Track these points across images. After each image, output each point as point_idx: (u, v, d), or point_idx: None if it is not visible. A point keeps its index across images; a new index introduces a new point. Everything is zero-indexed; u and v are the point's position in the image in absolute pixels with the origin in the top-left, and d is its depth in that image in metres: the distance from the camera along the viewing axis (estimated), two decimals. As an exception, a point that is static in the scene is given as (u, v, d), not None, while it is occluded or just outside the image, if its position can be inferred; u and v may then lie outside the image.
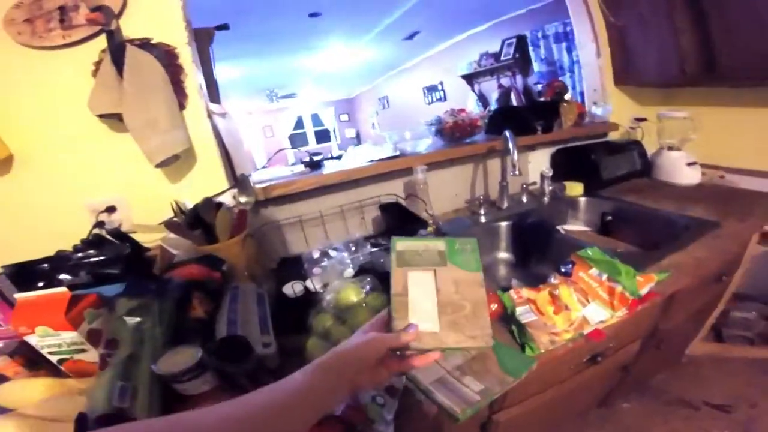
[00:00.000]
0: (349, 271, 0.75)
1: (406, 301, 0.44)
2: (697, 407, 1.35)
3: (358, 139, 7.49)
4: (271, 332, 0.65)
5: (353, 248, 0.79)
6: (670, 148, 1.48)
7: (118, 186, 0.94)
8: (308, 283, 0.80)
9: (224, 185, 1.01)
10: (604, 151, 1.46)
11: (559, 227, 1.22)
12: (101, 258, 0.77)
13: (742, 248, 1.11)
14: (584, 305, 0.63)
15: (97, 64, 0.83)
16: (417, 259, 0.48)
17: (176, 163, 0.92)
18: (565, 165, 1.48)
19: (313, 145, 7.68)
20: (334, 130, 7.89)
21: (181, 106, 0.91)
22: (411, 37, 3.73)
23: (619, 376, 1.01)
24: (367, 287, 0.69)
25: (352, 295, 0.67)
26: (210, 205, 0.87)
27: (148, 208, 0.93)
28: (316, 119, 7.94)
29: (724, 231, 0.99)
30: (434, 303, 0.44)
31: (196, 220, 0.85)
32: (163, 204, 0.87)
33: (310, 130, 7.86)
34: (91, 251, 0.77)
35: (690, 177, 1.41)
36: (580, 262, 0.71)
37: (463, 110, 1.40)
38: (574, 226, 1.33)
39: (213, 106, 1.03)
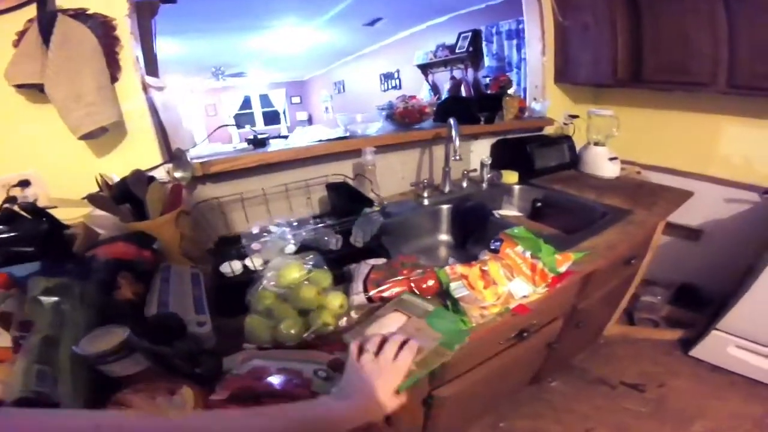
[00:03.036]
0: (291, 248, 0.74)
1: (376, 321, 0.61)
2: (614, 386, 1.52)
3: (310, 122, 7.28)
4: (207, 312, 0.64)
5: (295, 224, 0.78)
6: (596, 144, 1.63)
7: (35, 160, 0.86)
8: (247, 262, 0.78)
9: (158, 160, 0.96)
10: (538, 143, 1.58)
11: (494, 212, 1.30)
12: (12, 235, 0.69)
13: (648, 234, 1.26)
14: (510, 280, 0.68)
15: (20, 33, 0.76)
16: (407, 307, 0.64)
17: (104, 136, 0.86)
18: (504, 155, 1.58)
19: (260, 126, 7.35)
20: (284, 112, 7.60)
21: (114, 79, 0.86)
22: (372, 23, 3.68)
23: (545, 353, 1.12)
24: (310, 264, 0.69)
25: (295, 272, 0.67)
26: (140, 178, 0.81)
27: (71, 184, 0.86)
28: (265, 100, 7.58)
29: (635, 218, 1.12)
30: (390, 331, 0.57)
31: (124, 195, 0.80)
32: (88, 179, 0.81)
33: (258, 110, 7.50)
34: (1, 227, 0.69)
35: (611, 170, 1.56)
36: (508, 239, 0.77)
37: (414, 97, 1.43)
38: (509, 211, 1.43)
39: (150, 80, 0.97)
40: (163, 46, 1.12)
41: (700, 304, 1.78)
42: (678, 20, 1.41)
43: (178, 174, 0.93)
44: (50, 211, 0.81)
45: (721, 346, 1.50)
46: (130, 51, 0.88)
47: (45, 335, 0.49)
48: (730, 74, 1.36)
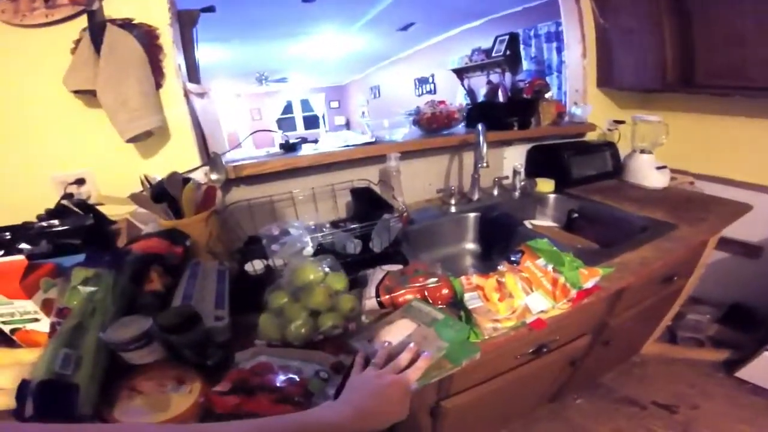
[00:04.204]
0: (308, 250, 0.76)
1: (384, 327, 0.61)
2: (644, 406, 1.41)
3: (347, 127, 7.42)
4: (226, 307, 0.67)
5: (313, 227, 0.80)
6: (642, 151, 1.52)
7: (89, 160, 0.95)
8: (270, 261, 0.81)
9: (197, 163, 1.02)
10: (576, 150, 1.50)
11: (526, 222, 1.25)
12: (63, 228, 0.76)
13: (692, 252, 1.16)
14: (528, 294, 0.66)
15: (77, 42, 0.84)
16: (416, 315, 0.63)
17: (149, 139, 0.93)
18: (539, 162, 1.51)
19: (301, 130, 7.60)
20: (323, 117, 7.80)
21: (158, 85, 0.92)
22: (406, 28, 3.70)
23: (568, 371, 1.06)
24: (326, 267, 0.70)
25: (310, 273, 0.69)
26: (176, 179, 0.87)
27: (118, 183, 0.93)
28: (305, 105, 7.83)
29: (677, 234, 1.03)
30: (397, 339, 0.57)
31: (162, 194, 0.85)
32: (134, 179, 0.88)
33: (299, 115, 7.76)
34: (54, 221, 0.77)
35: (658, 180, 1.45)
36: (529, 251, 0.74)
37: (443, 102, 1.41)
38: (542, 222, 1.37)
39: (191, 86, 1.03)
40: (209, 52, 1.19)
41: (753, 325, 1.60)
42: (733, 21, 1.29)
43: (213, 176, 0.99)
44: (99, 207, 0.90)
45: None
46: (172, 59, 0.93)
47: (77, 322, 0.53)
48: None
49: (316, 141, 1.39)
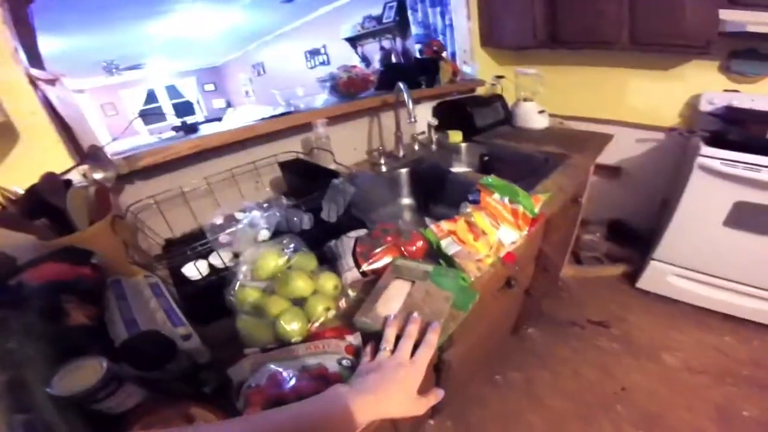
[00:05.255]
0: (264, 233, 0.66)
1: (381, 294, 0.56)
2: (582, 326, 1.66)
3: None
4: (186, 322, 0.55)
5: (266, 206, 0.70)
6: (525, 100, 1.74)
7: None
8: (213, 260, 0.69)
9: (69, 163, 0.79)
10: (476, 103, 1.65)
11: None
12: None
13: (585, 173, 1.38)
14: (497, 228, 0.69)
15: None
16: (406, 272, 0.60)
17: None
18: (446, 116, 1.60)
19: (172, 120, 6.61)
20: (198, 102, 6.90)
21: None
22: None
23: (524, 300, 1.17)
24: (290, 249, 0.62)
25: (272, 261, 0.60)
26: (55, 183, 0.66)
27: None
28: (173, 91, 6.79)
29: (572, 161, 1.22)
30: (401, 302, 0.55)
31: (38, 207, 0.64)
32: None
33: (167, 103, 6.70)
34: None
35: (541, 122, 1.70)
36: (484, 189, 0.77)
37: (355, 67, 1.37)
38: (459, 168, 1.48)
39: (37, 72, 0.79)
40: (41, 43, 0.92)
41: (630, 238, 2.03)
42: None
43: (98, 175, 0.78)
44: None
45: (660, 276, 1.71)
46: (4, 42, 0.72)
47: (7, 380, 0.39)
48: (632, 33, 1.56)
49: (218, 119, 1.21)
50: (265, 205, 0.71)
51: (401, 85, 1.08)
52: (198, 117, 6.59)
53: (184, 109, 6.86)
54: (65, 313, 0.49)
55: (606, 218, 2.11)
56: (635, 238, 2.02)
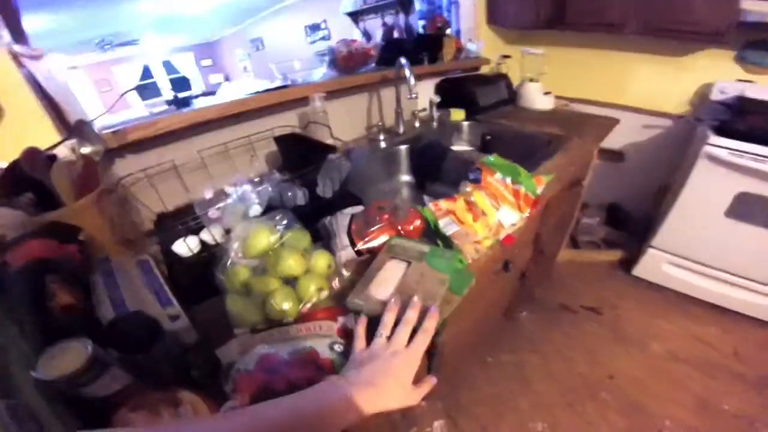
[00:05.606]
0: (256, 209, 0.64)
1: (375, 274, 0.54)
2: (575, 311, 1.66)
3: (227, 84, 6.60)
4: (175, 302, 0.53)
5: (257, 180, 0.68)
6: (531, 80, 1.70)
7: None
8: (204, 235, 0.67)
9: (56, 138, 0.76)
10: (479, 82, 1.61)
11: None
12: None
13: (588, 156, 1.35)
14: (497, 209, 0.67)
15: None
16: (401, 252, 0.58)
17: None
18: (448, 95, 1.57)
19: (169, 96, 6.51)
20: (195, 77, 6.77)
21: None
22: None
23: (518, 284, 1.16)
24: (282, 225, 0.60)
25: (264, 237, 0.58)
26: (36, 158, 0.64)
27: None
28: (169, 67, 6.65)
29: (575, 144, 1.18)
30: (395, 283, 0.53)
31: (22, 182, 0.62)
32: None
33: (163, 79, 6.56)
34: None
35: (546, 103, 1.66)
36: (485, 168, 0.74)
37: (355, 41, 1.32)
38: (460, 147, 1.46)
39: (19, 48, 0.76)
40: (27, 23, 0.88)
41: (627, 223, 2.01)
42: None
43: (86, 149, 0.75)
44: None
45: (656, 264, 1.71)
46: None
47: None
48: (642, 18, 1.51)
49: (211, 93, 1.17)
50: (256, 179, 0.68)
51: (402, 60, 1.04)
52: (195, 92, 6.49)
53: (180, 84, 6.73)
54: (51, 293, 0.47)
55: (605, 202, 2.09)
56: (628, 223, 2.00)
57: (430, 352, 0.77)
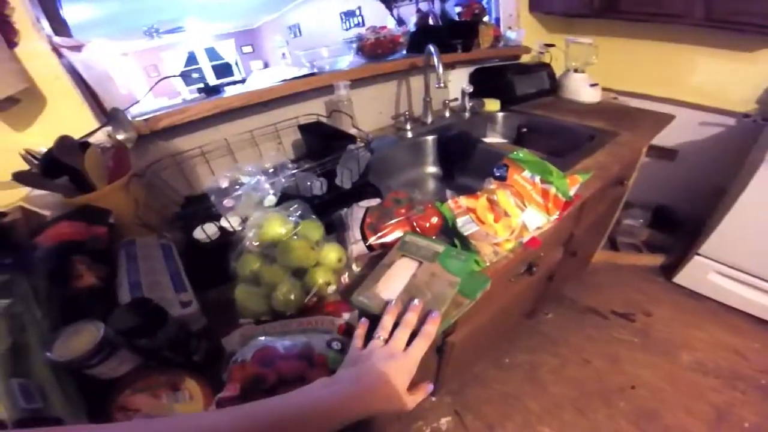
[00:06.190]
0: (271, 199, 0.64)
1: (384, 272, 0.53)
2: (605, 316, 1.57)
3: (267, 71, 6.77)
4: (189, 288, 0.54)
5: (271, 171, 0.67)
6: (576, 71, 1.58)
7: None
8: (223, 222, 0.67)
9: (94, 125, 0.81)
10: (517, 71, 1.52)
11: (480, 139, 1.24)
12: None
13: (635, 156, 1.24)
14: (522, 210, 0.62)
15: None
16: (414, 251, 0.56)
17: (17, 107, 0.72)
18: (483, 84, 1.50)
19: (212, 81, 6.77)
20: (236, 63, 6.98)
21: (11, 44, 0.70)
22: (328, -42, 3.28)
23: (545, 286, 1.10)
24: (296, 215, 0.59)
25: (278, 226, 0.57)
26: (69, 145, 0.67)
27: None
28: (212, 53, 6.91)
29: (622, 140, 1.09)
30: (403, 283, 0.51)
31: (55, 166, 0.66)
32: (15, 158, 0.68)
33: (206, 65, 6.83)
34: None
35: (592, 96, 1.54)
36: (513, 164, 0.69)
37: (384, 27, 1.29)
38: (493, 139, 1.39)
39: (60, 40, 0.80)
40: (76, 11, 0.93)
41: (674, 226, 1.85)
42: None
43: (120, 136, 0.79)
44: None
45: (702, 273, 1.56)
46: (24, 12, 0.72)
47: (9, 344, 0.39)
48: (707, 8, 1.35)
49: (240, 81, 1.18)
50: (271, 170, 0.68)
51: (431, 47, 0.99)
52: (236, 78, 6.70)
53: (222, 70, 6.97)
54: (77, 274, 0.49)
55: (653, 203, 1.93)
56: (676, 226, 1.84)
57: (440, 350, 0.74)
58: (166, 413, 0.40)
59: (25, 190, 0.70)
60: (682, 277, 1.65)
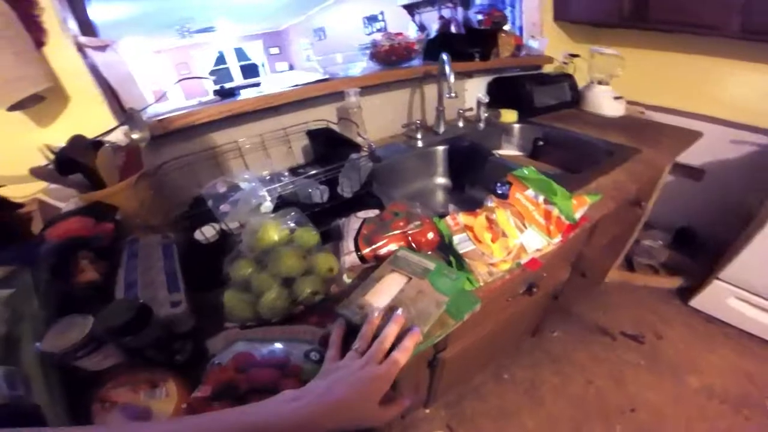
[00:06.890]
0: (267, 205, 0.64)
1: (373, 286, 0.52)
2: (614, 337, 1.51)
3: (292, 72, 6.94)
4: (182, 289, 0.55)
5: (268, 177, 0.68)
6: (599, 83, 1.53)
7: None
8: (222, 225, 0.68)
9: (113, 123, 0.84)
10: (537, 81, 1.48)
11: (493, 151, 1.22)
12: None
13: (656, 175, 1.19)
14: (521, 231, 0.60)
15: None
16: (405, 266, 0.55)
17: (42, 105, 0.75)
18: (501, 94, 1.47)
19: (239, 81, 6.96)
20: (263, 64, 7.16)
21: (39, 43, 0.73)
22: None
23: (550, 305, 1.07)
24: (291, 222, 0.59)
25: (273, 233, 0.57)
26: (81, 143, 0.70)
27: (18, 159, 0.74)
28: (241, 53, 7.11)
29: (643, 157, 1.04)
30: (390, 297, 0.50)
31: (68, 163, 0.68)
32: (37, 153, 0.71)
33: (234, 65, 7.04)
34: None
35: (616, 109, 1.48)
36: (516, 182, 0.67)
37: (400, 34, 1.28)
38: (508, 151, 1.36)
39: (86, 39, 0.83)
40: (112, 9, 0.97)
41: (696, 249, 1.76)
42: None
43: (135, 135, 0.82)
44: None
45: (721, 297, 1.49)
46: (53, 12, 0.74)
47: (3, 334, 0.42)
48: (745, 19, 1.27)
49: (257, 85, 1.20)
50: (268, 177, 0.68)
51: (444, 55, 0.98)
52: (263, 79, 6.88)
53: (249, 70, 7.17)
54: (80, 269, 0.51)
55: (675, 224, 1.84)
56: (698, 249, 1.75)
57: (431, 365, 0.73)
58: (141, 408, 0.40)
59: (44, 183, 0.73)
60: (699, 301, 1.58)
